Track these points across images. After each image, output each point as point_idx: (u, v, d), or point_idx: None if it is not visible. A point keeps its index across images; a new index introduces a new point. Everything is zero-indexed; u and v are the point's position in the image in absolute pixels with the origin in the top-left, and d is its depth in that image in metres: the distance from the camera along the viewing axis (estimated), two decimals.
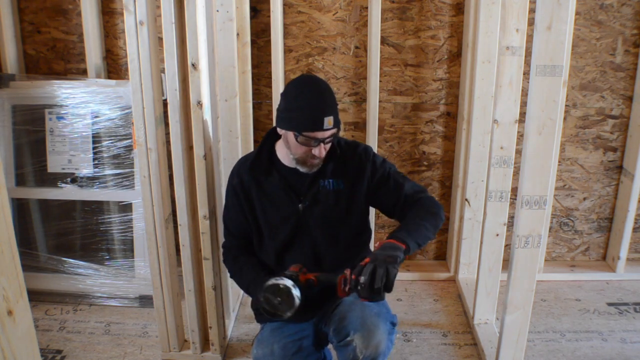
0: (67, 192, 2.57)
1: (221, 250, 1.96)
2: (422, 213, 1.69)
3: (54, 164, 2.57)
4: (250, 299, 2.66)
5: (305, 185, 1.76)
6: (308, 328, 1.81)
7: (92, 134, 2.51)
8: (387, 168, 1.80)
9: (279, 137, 1.78)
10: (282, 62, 2.61)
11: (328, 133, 1.65)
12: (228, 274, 2.09)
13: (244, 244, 1.87)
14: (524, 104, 1.76)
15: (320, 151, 1.67)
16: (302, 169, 1.74)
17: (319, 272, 1.64)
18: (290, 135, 1.66)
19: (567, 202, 2.87)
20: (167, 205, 2.05)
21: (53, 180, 2.58)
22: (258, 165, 1.77)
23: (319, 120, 1.61)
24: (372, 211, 2.65)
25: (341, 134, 2.77)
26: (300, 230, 1.78)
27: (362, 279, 1.47)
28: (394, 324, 1.71)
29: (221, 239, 2.04)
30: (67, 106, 2.50)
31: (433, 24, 2.61)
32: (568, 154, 2.78)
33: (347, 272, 1.53)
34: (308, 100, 1.64)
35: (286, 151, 1.74)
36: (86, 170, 2.55)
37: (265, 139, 1.81)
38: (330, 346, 1.87)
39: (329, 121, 1.62)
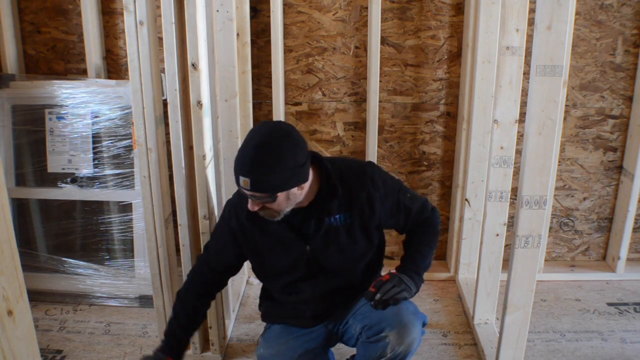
0: (67, 192, 2.57)
1: (185, 278, 1.88)
2: (427, 242, 1.79)
3: (54, 164, 2.57)
4: (249, 298, 2.66)
5: (311, 226, 1.68)
6: (318, 329, 1.81)
7: (92, 134, 2.51)
8: (396, 192, 1.73)
9: None
10: (282, 62, 2.61)
11: (249, 193, 1.53)
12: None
13: (217, 279, 1.82)
14: (524, 104, 1.76)
15: (251, 205, 1.56)
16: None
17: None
18: None
19: (567, 202, 2.87)
20: (167, 205, 2.05)
21: (53, 180, 2.58)
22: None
23: (237, 176, 1.53)
24: None
25: (342, 134, 2.77)
26: (312, 270, 1.73)
27: (378, 296, 1.59)
28: (424, 324, 1.73)
29: None
30: (67, 106, 2.50)
31: (433, 24, 2.61)
32: (568, 154, 2.78)
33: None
34: (239, 152, 1.55)
35: None
36: (86, 170, 2.54)
37: None
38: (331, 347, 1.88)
39: (244, 182, 1.50)
